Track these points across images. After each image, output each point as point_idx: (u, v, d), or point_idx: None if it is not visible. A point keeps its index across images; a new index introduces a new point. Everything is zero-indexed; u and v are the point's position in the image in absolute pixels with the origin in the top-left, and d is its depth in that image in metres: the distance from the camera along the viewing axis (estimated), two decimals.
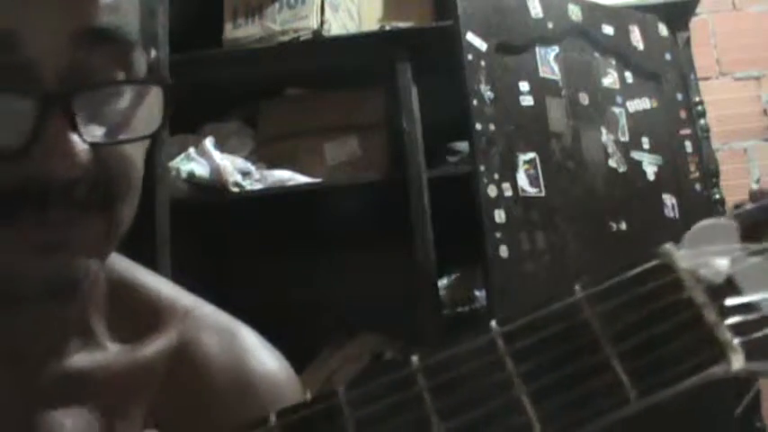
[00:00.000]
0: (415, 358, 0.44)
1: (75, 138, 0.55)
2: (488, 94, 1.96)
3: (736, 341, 0.39)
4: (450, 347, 0.44)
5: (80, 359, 0.68)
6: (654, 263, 0.41)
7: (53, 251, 0.57)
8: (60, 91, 0.55)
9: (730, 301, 0.40)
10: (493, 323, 0.43)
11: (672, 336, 0.39)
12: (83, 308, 0.68)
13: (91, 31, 0.57)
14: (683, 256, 0.41)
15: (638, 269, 0.41)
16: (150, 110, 0.62)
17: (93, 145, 0.57)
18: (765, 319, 0.39)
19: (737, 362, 0.39)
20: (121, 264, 0.75)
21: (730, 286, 0.40)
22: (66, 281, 0.58)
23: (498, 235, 1.87)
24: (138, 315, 0.73)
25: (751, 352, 0.39)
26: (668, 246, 0.41)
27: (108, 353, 0.69)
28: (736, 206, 0.42)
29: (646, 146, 2.11)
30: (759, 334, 0.39)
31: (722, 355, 0.39)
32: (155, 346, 0.71)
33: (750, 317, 0.39)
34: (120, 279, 0.74)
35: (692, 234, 0.42)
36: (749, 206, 0.42)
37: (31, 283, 0.57)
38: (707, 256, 0.40)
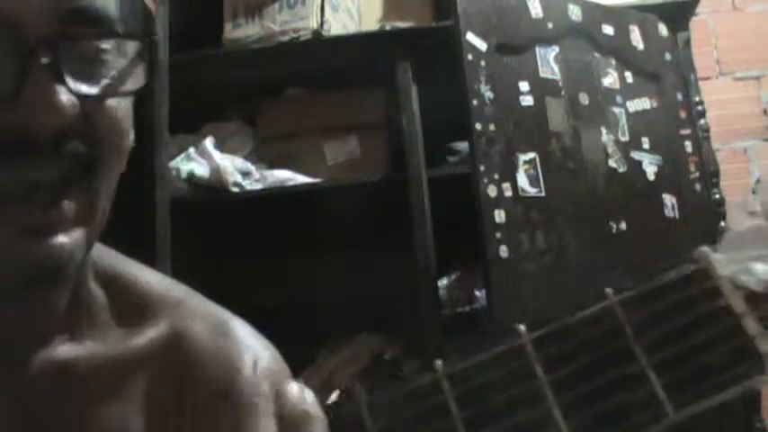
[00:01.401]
0: (439, 363, 0.43)
1: (60, 88, 0.56)
2: (488, 94, 1.95)
3: None
4: (477, 353, 0.43)
5: (69, 351, 0.67)
6: (690, 268, 0.40)
7: (38, 235, 0.57)
8: (45, 38, 0.56)
9: None
10: (522, 327, 0.42)
11: (710, 345, 0.38)
12: (71, 299, 0.68)
13: (71, 10, 0.58)
14: (720, 261, 0.39)
15: (674, 274, 0.40)
16: (132, 71, 0.62)
17: (80, 97, 0.57)
18: None
19: None
20: (110, 256, 0.75)
21: None
22: (51, 266, 0.58)
23: (498, 235, 1.86)
24: (128, 306, 0.72)
25: None
26: (704, 249, 0.40)
27: (97, 344, 0.69)
28: None
29: (646, 146, 2.11)
30: None
31: (763, 367, 0.38)
32: (145, 337, 0.71)
33: None
34: (108, 271, 0.73)
35: (728, 238, 0.41)
36: None
37: (17, 268, 0.57)
38: (745, 261, 0.39)
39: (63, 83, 0.56)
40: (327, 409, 0.44)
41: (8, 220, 0.56)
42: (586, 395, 0.40)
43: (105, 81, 0.61)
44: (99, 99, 0.60)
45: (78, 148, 0.58)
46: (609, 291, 0.41)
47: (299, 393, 0.44)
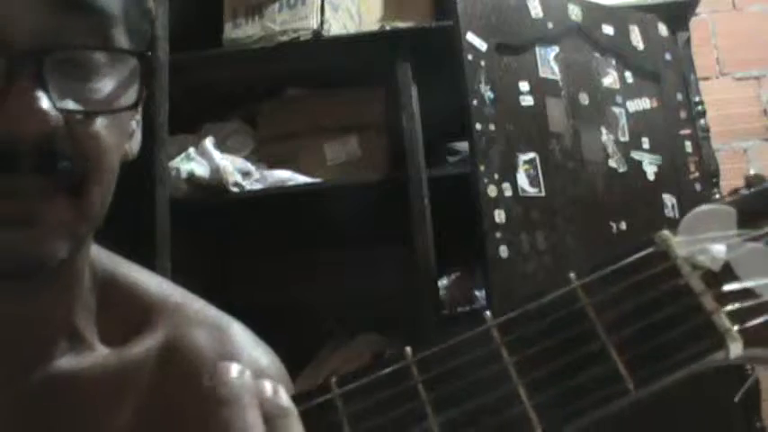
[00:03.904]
0: (408, 350, 0.44)
1: (44, 98, 0.55)
2: (488, 94, 1.96)
3: (734, 328, 0.39)
4: (445, 339, 0.43)
5: (68, 361, 0.67)
6: (650, 250, 0.41)
7: (18, 225, 0.56)
8: (31, 49, 0.55)
9: (728, 288, 0.39)
10: (488, 313, 0.43)
11: (670, 324, 0.39)
12: (69, 308, 0.68)
13: (60, 23, 0.57)
14: (679, 242, 0.40)
15: (634, 257, 0.41)
16: (127, 86, 0.62)
17: (64, 112, 0.57)
18: (763, 305, 0.39)
19: (736, 349, 0.39)
20: (108, 260, 0.75)
21: (728, 273, 0.40)
22: (32, 259, 0.57)
23: (498, 235, 1.86)
24: (128, 312, 0.73)
25: (749, 339, 0.39)
26: (665, 232, 0.41)
27: (97, 353, 0.69)
28: (733, 191, 0.42)
29: (646, 146, 2.11)
30: (757, 321, 0.39)
31: (721, 343, 0.38)
32: (145, 343, 0.71)
33: (748, 303, 0.39)
34: (106, 277, 0.73)
35: (688, 220, 0.41)
36: (745, 192, 0.41)
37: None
38: (704, 242, 0.40)
39: (47, 93, 0.55)
40: (300, 398, 0.45)
41: None
42: (551, 374, 0.41)
43: (96, 97, 0.60)
44: (86, 116, 0.59)
45: (68, 167, 0.58)
46: (572, 275, 0.42)
47: (271, 389, 0.44)
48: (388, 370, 0.43)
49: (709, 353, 0.38)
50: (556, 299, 0.42)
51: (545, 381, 0.40)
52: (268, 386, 0.44)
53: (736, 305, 0.39)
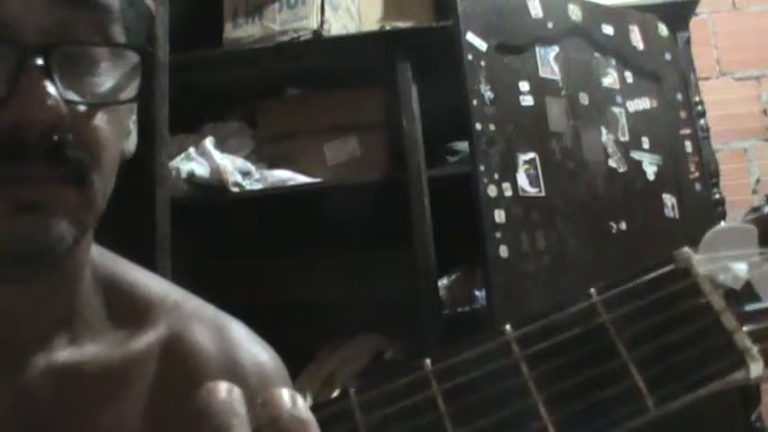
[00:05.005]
0: (428, 361, 0.43)
1: (51, 89, 0.57)
2: (488, 94, 1.95)
3: (755, 348, 0.38)
4: (464, 351, 0.43)
5: (68, 354, 0.68)
6: (671, 267, 0.41)
7: (28, 210, 0.57)
8: (39, 44, 0.57)
9: (749, 308, 0.39)
10: (507, 327, 0.43)
11: (690, 342, 0.39)
12: (70, 301, 0.68)
13: (68, 17, 0.59)
14: (700, 260, 0.40)
15: (655, 273, 0.41)
16: (127, 82, 0.63)
17: (69, 105, 0.58)
18: None
19: (756, 369, 0.38)
20: (108, 259, 0.75)
21: (749, 292, 0.40)
22: (39, 244, 0.58)
23: (498, 235, 1.86)
24: (127, 309, 0.73)
25: None
26: (686, 249, 0.41)
27: (97, 347, 0.70)
28: (754, 209, 0.42)
29: (646, 146, 2.11)
30: None
31: (741, 363, 0.38)
32: (145, 340, 0.72)
33: None
34: (107, 274, 0.74)
35: (709, 238, 0.41)
36: (766, 210, 0.41)
37: (6, 241, 0.57)
38: (725, 260, 0.40)
39: (54, 84, 0.57)
40: (317, 407, 0.44)
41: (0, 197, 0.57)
42: (570, 390, 0.41)
43: (97, 91, 0.61)
44: (90, 108, 0.60)
45: (74, 155, 0.59)
46: (592, 290, 0.42)
47: (289, 400, 0.43)
48: (406, 380, 0.43)
49: (730, 372, 0.38)
50: (576, 313, 0.42)
51: (565, 396, 0.40)
52: (285, 396, 0.43)
53: (757, 325, 0.39)
